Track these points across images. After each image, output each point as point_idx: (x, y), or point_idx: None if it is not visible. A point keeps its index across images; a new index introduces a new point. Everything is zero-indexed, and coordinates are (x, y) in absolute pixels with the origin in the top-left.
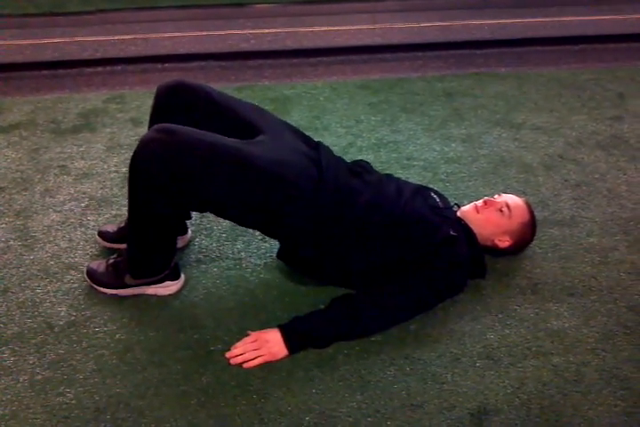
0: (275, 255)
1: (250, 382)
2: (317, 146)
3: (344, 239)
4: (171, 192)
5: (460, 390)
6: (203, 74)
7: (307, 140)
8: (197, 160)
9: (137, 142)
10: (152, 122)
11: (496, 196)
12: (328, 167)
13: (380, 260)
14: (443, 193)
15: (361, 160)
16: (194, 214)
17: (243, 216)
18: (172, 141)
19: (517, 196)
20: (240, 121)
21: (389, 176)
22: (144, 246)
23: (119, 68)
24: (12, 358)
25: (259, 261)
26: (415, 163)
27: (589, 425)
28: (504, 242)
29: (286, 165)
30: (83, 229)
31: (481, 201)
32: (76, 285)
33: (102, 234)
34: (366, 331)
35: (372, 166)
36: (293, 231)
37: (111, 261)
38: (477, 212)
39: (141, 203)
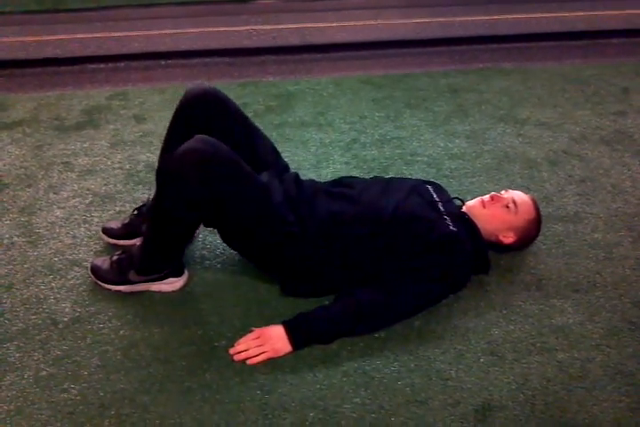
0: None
1: (254, 378)
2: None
3: (343, 258)
4: (199, 202)
5: (464, 386)
6: (206, 70)
7: (296, 182)
8: (232, 179)
9: (141, 139)
10: (174, 125)
11: (503, 192)
12: (306, 219)
13: (382, 263)
14: (446, 189)
15: (342, 177)
16: None
17: (247, 244)
18: (215, 155)
19: (523, 192)
20: (254, 150)
21: (377, 178)
22: (161, 246)
23: (122, 64)
24: (17, 355)
25: None
26: (419, 159)
27: (594, 421)
28: (508, 238)
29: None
30: (87, 225)
31: (488, 196)
32: (80, 281)
33: (106, 230)
34: (370, 327)
35: (353, 178)
36: (285, 265)
37: (115, 257)
38: (484, 207)
39: (169, 206)
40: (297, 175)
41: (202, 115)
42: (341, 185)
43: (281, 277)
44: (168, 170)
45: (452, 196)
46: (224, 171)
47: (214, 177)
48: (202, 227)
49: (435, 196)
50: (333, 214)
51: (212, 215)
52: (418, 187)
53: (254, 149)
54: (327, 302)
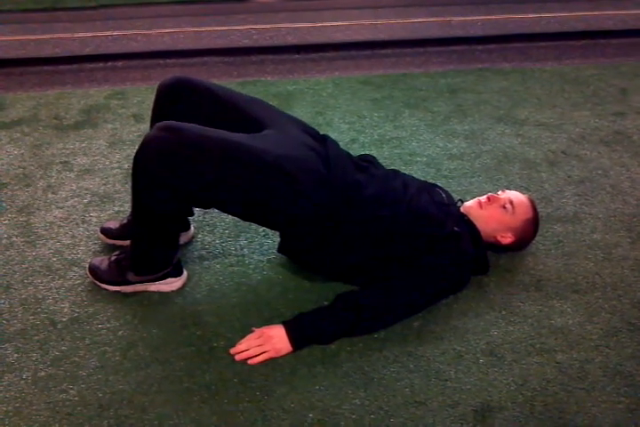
0: (276, 251)
1: (253, 378)
2: (324, 139)
3: (348, 233)
4: (175, 190)
5: (463, 386)
6: (205, 70)
7: (313, 134)
8: (201, 158)
9: (139, 138)
10: (154, 119)
11: (500, 192)
12: (336, 162)
13: (382, 254)
14: (446, 189)
15: (367, 154)
16: (196, 211)
17: (245, 211)
18: (176, 140)
19: (521, 193)
20: (244, 116)
21: (396, 171)
22: (147, 243)
23: (121, 63)
24: (15, 355)
25: (262, 258)
26: (418, 159)
27: (593, 422)
28: (506, 238)
29: (293, 160)
30: (85, 225)
31: (485, 197)
32: (78, 281)
33: (105, 230)
34: (370, 327)
35: (377, 161)
36: (294, 225)
37: (113, 258)
38: (481, 208)
39: (145, 201)
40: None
41: (175, 102)
42: (366, 161)
43: (283, 235)
44: (135, 163)
45: (454, 197)
46: (190, 152)
47: (180, 161)
48: (199, 228)
49: (444, 196)
50: (358, 184)
51: (198, 200)
52: (427, 186)
53: (243, 115)
54: (326, 303)
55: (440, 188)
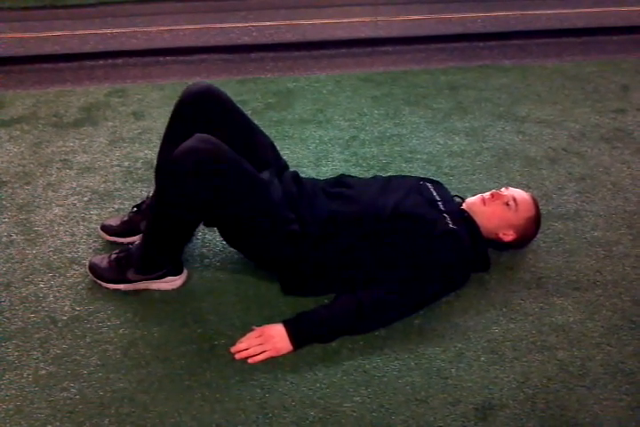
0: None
1: (254, 376)
2: (299, 178)
3: (342, 256)
4: (200, 201)
5: (464, 384)
6: (205, 67)
7: (293, 175)
8: (232, 178)
9: (139, 136)
10: (173, 124)
11: (503, 189)
12: (306, 217)
13: (381, 262)
14: (446, 186)
15: (341, 175)
16: None
17: (248, 242)
18: (215, 154)
19: (523, 190)
20: (253, 148)
21: (376, 177)
22: (161, 245)
23: (121, 61)
24: (16, 353)
25: None
26: (418, 156)
27: (594, 420)
28: (508, 236)
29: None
30: (85, 223)
31: (488, 193)
32: (79, 279)
33: (105, 228)
34: (370, 326)
35: (351, 178)
36: (285, 264)
37: (114, 256)
38: (484, 204)
39: (169, 206)
40: (296, 174)
41: (201, 113)
42: (340, 185)
43: (281, 276)
44: (168, 170)
45: (452, 193)
46: (224, 170)
47: (214, 176)
48: (201, 225)
49: (435, 194)
50: (333, 214)
51: (212, 215)
52: (418, 185)
53: (254, 148)
54: (327, 301)
55: (432, 182)
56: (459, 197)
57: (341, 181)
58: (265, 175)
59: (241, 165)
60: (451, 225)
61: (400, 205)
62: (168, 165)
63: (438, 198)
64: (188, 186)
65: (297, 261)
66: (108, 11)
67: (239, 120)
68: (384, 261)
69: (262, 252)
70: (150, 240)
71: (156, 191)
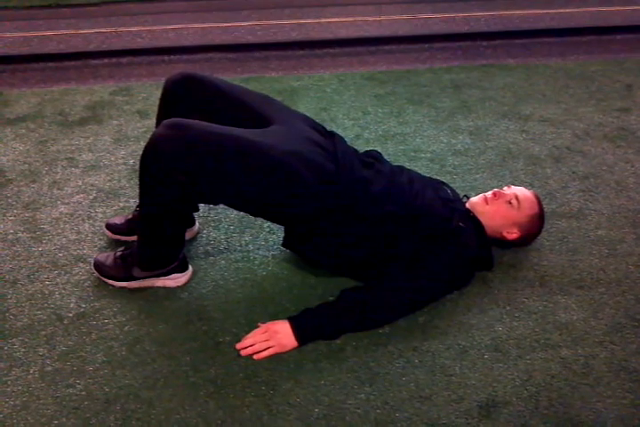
0: (281, 246)
1: (259, 373)
2: (332, 135)
3: (353, 228)
4: (182, 187)
5: (468, 382)
6: (209, 66)
7: (320, 130)
8: (209, 155)
9: (144, 134)
10: (160, 116)
11: (505, 188)
12: (343, 158)
13: (387, 248)
14: (451, 186)
15: (372, 150)
16: (202, 207)
17: (250, 206)
18: (182, 137)
19: (526, 188)
20: (251, 111)
21: (401, 167)
22: (154, 240)
23: (125, 60)
24: (23, 350)
25: (267, 253)
26: (422, 155)
27: (597, 417)
28: (512, 234)
29: (299, 156)
30: (91, 221)
31: (490, 193)
32: (84, 277)
33: (110, 226)
34: (375, 323)
35: (383, 157)
36: (299, 221)
37: (119, 253)
38: (486, 203)
39: (152, 197)
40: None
41: (182, 98)
42: (371, 157)
43: (288, 230)
44: (142, 163)
45: (459, 193)
46: (198, 148)
47: (191, 159)
48: (204, 223)
49: (449, 193)
50: (364, 180)
51: (205, 197)
52: (432, 183)
53: (250, 111)
54: (332, 298)
55: (446, 184)
56: (467, 197)
57: (372, 154)
58: (275, 129)
59: (218, 134)
60: (460, 223)
61: (419, 197)
62: (142, 159)
63: (451, 197)
64: (164, 174)
65: (314, 217)
66: (113, 10)
67: (225, 93)
68: (390, 250)
69: (280, 208)
70: (143, 234)
71: (139, 188)
